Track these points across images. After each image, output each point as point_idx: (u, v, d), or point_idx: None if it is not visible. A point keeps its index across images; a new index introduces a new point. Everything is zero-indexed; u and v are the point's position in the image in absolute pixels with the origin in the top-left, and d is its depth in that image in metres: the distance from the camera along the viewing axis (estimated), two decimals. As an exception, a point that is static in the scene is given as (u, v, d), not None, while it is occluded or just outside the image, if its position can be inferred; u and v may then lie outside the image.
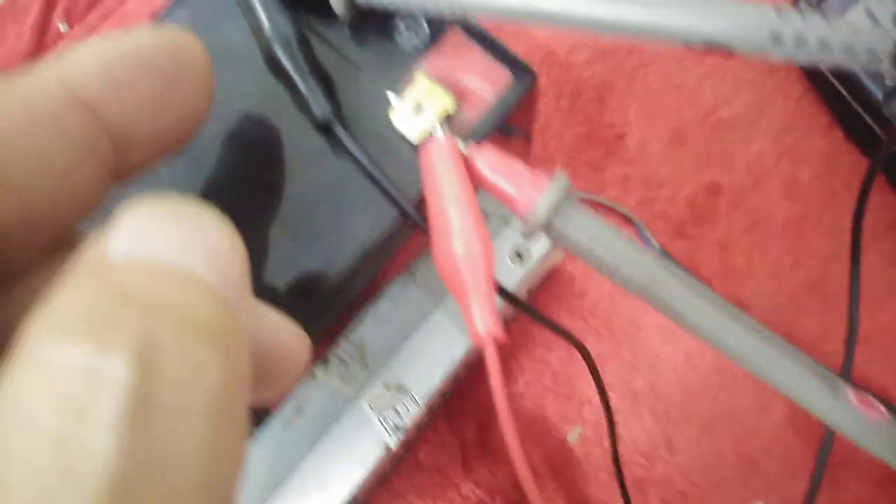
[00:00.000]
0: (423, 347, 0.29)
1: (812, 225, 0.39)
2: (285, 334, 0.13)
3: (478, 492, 0.36)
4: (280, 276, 0.20)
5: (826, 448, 0.31)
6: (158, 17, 0.25)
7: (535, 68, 0.25)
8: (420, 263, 0.29)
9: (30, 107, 0.13)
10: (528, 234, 0.19)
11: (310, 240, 0.20)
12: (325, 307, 0.22)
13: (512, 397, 0.37)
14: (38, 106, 0.13)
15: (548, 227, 0.20)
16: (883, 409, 0.20)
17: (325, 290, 0.19)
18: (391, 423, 0.28)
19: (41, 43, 0.44)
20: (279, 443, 0.27)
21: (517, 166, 0.20)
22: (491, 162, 0.20)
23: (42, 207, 0.12)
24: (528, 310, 0.22)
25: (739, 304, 0.37)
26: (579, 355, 0.37)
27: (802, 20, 0.16)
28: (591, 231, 0.20)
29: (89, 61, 0.14)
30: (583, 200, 0.38)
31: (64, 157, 0.13)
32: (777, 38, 0.17)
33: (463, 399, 0.37)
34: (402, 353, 0.29)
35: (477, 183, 0.20)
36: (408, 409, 0.28)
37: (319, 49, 0.22)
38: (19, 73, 0.13)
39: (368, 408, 0.28)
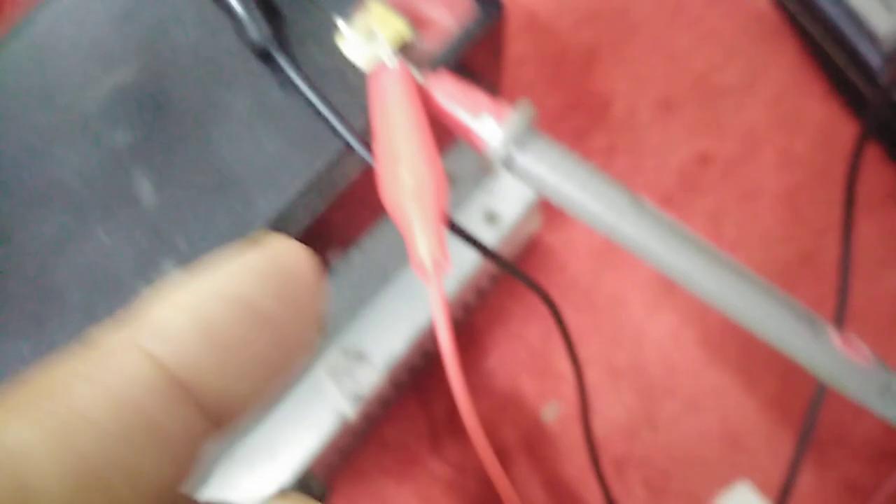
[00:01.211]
0: (384, 313, 0.27)
1: (806, 196, 0.37)
2: None
3: (448, 469, 0.35)
4: (218, 209, 0.18)
5: (810, 421, 0.30)
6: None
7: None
8: (383, 223, 0.27)
9: (112, 398, 0.10)
10: (490, 170, 0.18)
11: (248, 173, 0.18)
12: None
13: (485, 372, 0.35)
14: (123, 395, 0.10)
15: (509, 161, 0.18)
16: (868, 351, 0.18)
17: (264, 226, 0.18)
18: (349, 391, 0.26)
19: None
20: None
21: (477, 95, 0.18)
22: (448, 90, 0.18)
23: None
24: (487, 252, 0.20)
25: (727, 277, 0.36)
26: (557, 330, 0.35)
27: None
28: (555, 164, 0.18)
29: (185, 328, 0.11)
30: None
31: (152, 460, 0.10)
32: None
33: (433, 376, 0.35)
34: (362, 318, 0.27)
35: (434, 116, 0.18)
36: (367, 378, 0.26)
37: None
38: (99, 342, 0.11)
39: (325, 375, 0.26)
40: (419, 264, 0.15)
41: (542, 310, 0.35)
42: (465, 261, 0.27)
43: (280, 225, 0.18)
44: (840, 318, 0.32)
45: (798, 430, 0.34)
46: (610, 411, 0.35)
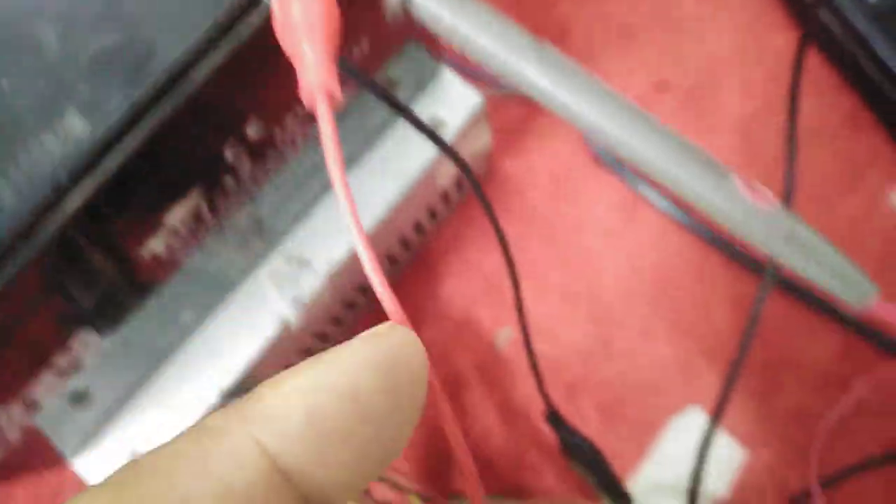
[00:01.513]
0: (328, 220, 0.27)
1: (761, 126, 0.37)
2: None
3: (402, 394, 0.35)
4: (118, 57, 0.17)
5: (747, 336, 0.30)
6: None
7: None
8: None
9: (220, 486, 0.10)
10: (391, 18, 0.17)
11: (150, 19, 0.17)
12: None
13: (440, 300, 0.35)
14: (230, 483, 0.10)
15: (406, 4, 0.18)
16: (771, 196, 0.19)
17: (167, 74, 0.17)
18: (291, 297, 0.26)
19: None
20: (169, 313, 0.25)
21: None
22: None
23: None
24: (409, 115, 0.19)
25: (686, 203, 0.36)
26: (517, 259, 0.35)
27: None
28: (454, 4, 0.18)
29: (295, 419, 0.11)
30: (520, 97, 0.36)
31: None
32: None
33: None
34: (305, 224, 0.27)
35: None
36: (309, 284, 0.26)
37: None
38: (214, 428, 0.11)
39: (267, 281, 0.26)
40: (307, 92, 0.15)
41: (508, 238, 0.35)
42: (409, 165, 0.27)
43: (183, 76, 0.17)
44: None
45: (754, 355, 0.34)
46: (565, 337, 0.35)
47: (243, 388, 0.25)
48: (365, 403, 0.12)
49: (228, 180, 0.20)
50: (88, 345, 0.21)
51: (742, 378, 0.34)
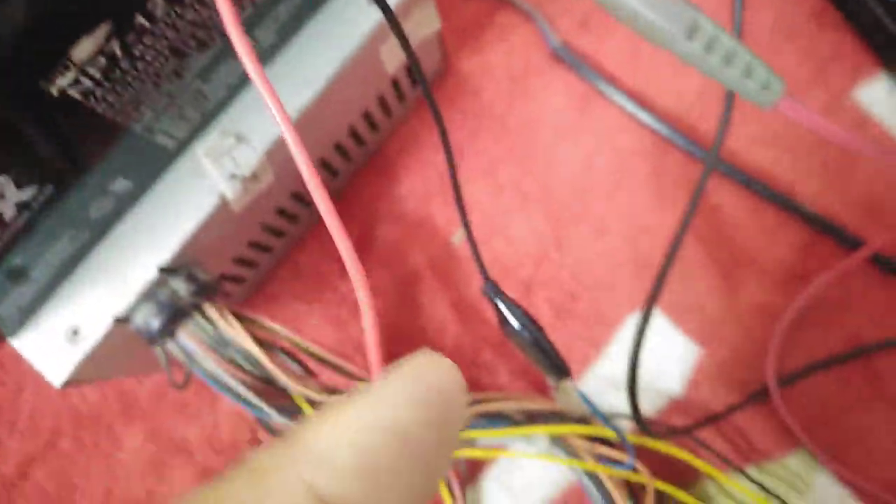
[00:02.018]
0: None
1: (724, 24, 0.36)
2: None
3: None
4: None
5: (686, 219, 0.29)
6: None
7: None
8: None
9: None
10: None
11: None
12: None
13: (396, 199, 0.35)
14: None
15: None
16: None
17: None
18: (228, 171, 0.26)
19: None
20: (103, 183, 0.25)
21: None
22: None
23: None
24: None
25: (644, 99, 0.35)
26: (471, 158, 0.35)
27: None
28: None
29: (344, 458, 0.11)
30: (474, -20, 0.35)
31: None
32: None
33: (348, 202, 0.35)
34: (243, 97, 0.26)
35: None
36: (246, 159, 0.26)
37: None
38: (263, 469, 0.11)
39: (203, 156, 0.26)
40: None
41: (457, 137, 0.35)
42: (349, 33, 0.26)
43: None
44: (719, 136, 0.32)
45: (710, 253, 0.34)
46: (520, 235, 0.35)
47: (190, 276, 0.25)
48: (412, 439, 0.12)
49: (140, 19, 0.19)
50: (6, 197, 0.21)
51: (700, 276, 0.34)
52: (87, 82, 0.19)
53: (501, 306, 0.24)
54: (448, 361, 0.13)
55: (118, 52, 0.19)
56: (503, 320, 0.24)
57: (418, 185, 0.35)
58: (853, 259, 0.32)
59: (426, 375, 0.13)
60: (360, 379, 0.30)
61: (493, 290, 0.24)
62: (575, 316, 0.34)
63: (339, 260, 0.35)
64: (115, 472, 0.35)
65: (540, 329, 0.24)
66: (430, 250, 0.35)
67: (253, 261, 0.32)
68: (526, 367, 0.34)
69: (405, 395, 0.12)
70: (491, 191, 0.35)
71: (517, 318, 0.24)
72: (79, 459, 0.35)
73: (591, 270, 0.34)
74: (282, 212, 0.31)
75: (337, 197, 0.35)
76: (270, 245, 0.32)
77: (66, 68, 0.18)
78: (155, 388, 0.35)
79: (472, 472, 0.34)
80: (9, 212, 0.21)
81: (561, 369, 0.25)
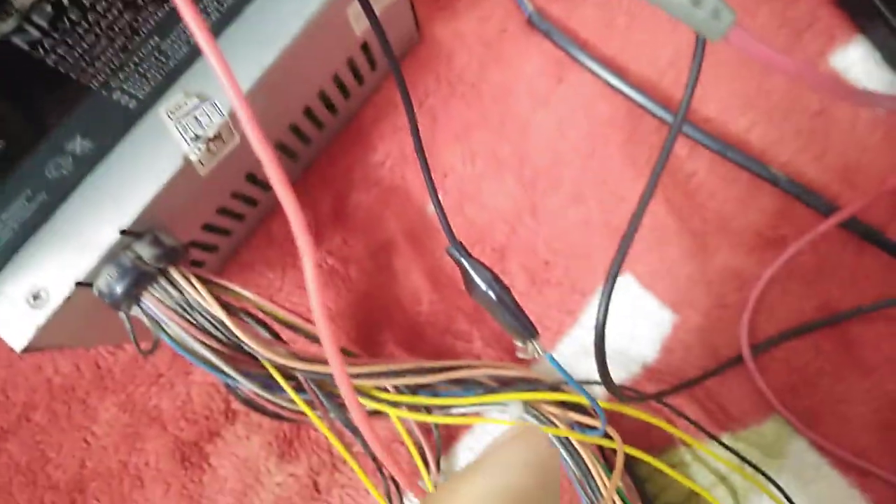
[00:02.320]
0: (230, 55, 0.26)
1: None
2: None
3: (330, 260, 0.34)
4: None
5: (652, 180, 0.29)
6: None
7: None
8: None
9: None
10: None
11: None
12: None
13: (372, 166, 0.35)
14: None
15: None
16: None
17: None
18: (191, 132, 0.25)
19: None
20: (64, 144, 0.24)
21: None
22: None
23: None
24: None
25: (618, 66, 0.35)
26: (445, 125, 0.35)
27: None
28: None
29: None
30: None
31: None
32: None
33: (323, 170, 0.35)
34: (205, 60, 0.26)
35: None
36: (210, 120, 0.25)
37: None
38: None
39: (166, 116, 0.25)
40: None
41: (430, 104, 0.35)
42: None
43: None
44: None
45: (682, 221, 0.34)
46: (494, 202, 0.34)
47: (155, 240, 0.25)
48: (530, 500, 0.13)
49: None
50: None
51: (674, 244, 0.34)
52: (33, 31, 0.19)
53: (466, 265, 0.24)
54: (544, 433, 0.16)
55: (65, 0, 0.19)
56: (469, 281, 0.24)
57: (394, 153, 0.35)
58: (827, 224, 0.32)
59: (532, 443, 0.15)
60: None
61: (458, 249, 0.24)
62: (549, 284, 0.34)
63: (311, 229, 0.35)
64: (88, 444, 0.34)
65: (505, 288, 0.24)
66: (406, 218, 0.34)
67: (224, 228, 0.32)
68: (500, 335, 0.34)
69: (521, 461, 0.14)
70: (464, 157, 0.34)
71: (482, 278, 0.24)
72: (52, 432, 0.34)
73: (565, 238, 0.34)
74: (252, 178, 0.31)
75: (309, 165, 0.35)
76: (242, 213, 0.32)
77: (7, 14, 0.18)
78: (128, 360, 0.35)
79: (446, 442, 0.34)
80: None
81: (528, 330, 0.24)
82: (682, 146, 0.34)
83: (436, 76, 0.35)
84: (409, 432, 0.33)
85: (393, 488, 0.32)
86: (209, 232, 0.31)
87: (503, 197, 0.34)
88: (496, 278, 0.24)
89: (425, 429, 0.33)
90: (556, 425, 0.31)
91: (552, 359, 0.26)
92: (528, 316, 0.24)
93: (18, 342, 0.25)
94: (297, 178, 0.34)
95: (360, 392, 0.30)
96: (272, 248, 0.35)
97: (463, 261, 0.24)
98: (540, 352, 0.25)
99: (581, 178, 0.34)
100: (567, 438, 0.31)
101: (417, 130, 0.25)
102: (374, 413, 0.32)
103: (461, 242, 0.24)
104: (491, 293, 0.24)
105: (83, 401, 0.34)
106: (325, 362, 0.29)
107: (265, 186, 0.32)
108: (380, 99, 0.35)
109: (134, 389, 0.34)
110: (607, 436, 0.30)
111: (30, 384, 0.35)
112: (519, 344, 0.25)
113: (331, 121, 0.33)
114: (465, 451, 0.34)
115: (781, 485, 0.32)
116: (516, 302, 0.24)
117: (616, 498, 0.30)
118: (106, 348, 0.35)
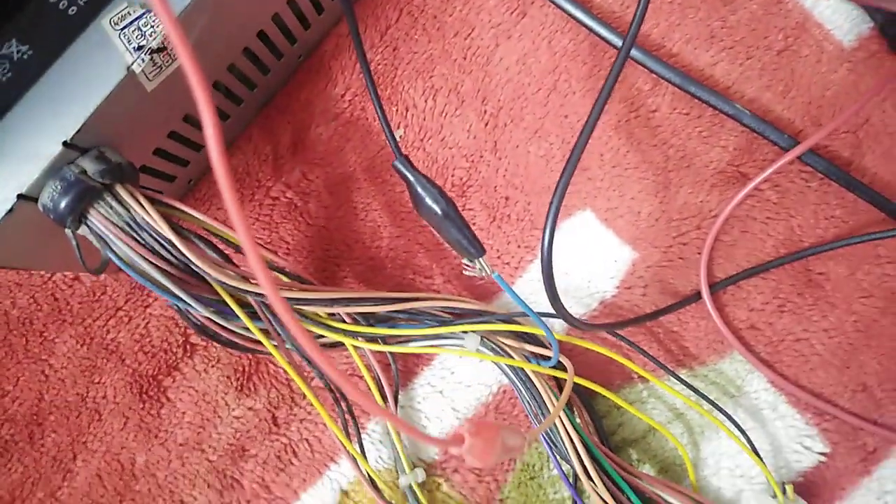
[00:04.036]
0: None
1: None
2: None
3: (289, 194, 0.34)
4: None
5: (597, 106, 0.29)
6: None
7: None
8: None
9: None
10: None
11: None
12: None
13: (332, 99, 0.34)
14: None
15: None
16: None
17: None
18: (134, 42, 0.25)
19: None
20: (3, 62, 0.24)
21: None
22: None
23: None
24: None
25: None
26: (406, 58, 0.34)
27: None
28: None
29: None
30: None
31: None
32: None
33: (281, 105, 0.35)
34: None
35: None
36: (154, 29, 0.25)
37: None
38: None
39: (109, 27, 0.25)
40: None
41: (392, 35, 0.34)
42: None
43: None
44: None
45: (643, 156, 0.34)
46: (455, 137, 0.34)
47: (101, 157, 0.25)
48: None
49: None
50: None
51: (635, 180, 0.34)
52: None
53: (411, 178, 0.23)
54: None
55: None
56: (415, 196, 0.24)
57: (354, 86, 0.34)
58: (785, 158, 0.32)
59: None
60: (278, 269, 0.30)
61: (404, 163, 0.24)
62: (509, 220, 0.34)
63: (270, 162, 0.34)
64: (46, 377, 0.34)
65: (451, 203, 0.24)
66: (367, 152, 0.34)
67: (177, 156, 0.31)
68: (460, 271, 0.34)
69: None
70: (426, 92, 0.34)
71: (427, 192, 0.23)
72: (8, 364, 0.34)
73: (526, 174, 0.34)
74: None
75: (270, 97, 0.34)
76: (194, 140, 0.32)
77: None
78: (86, 293, 0.34)
79: (405, 377, 0.34)
80: None
81: (475, 246, 0.24)
82: (646, 80, 0.34)
83: (397, 7, 0.34)
84: (368, 367, 0.33)
85: (350, 421, 0.32)
86: (162, 158, 0.30)
87: (464, 133, 0.34)
88: (442, 193, 0.24)
89: (384, 365, 0.33)
90: (511, 357, 0.31)
91: (502, 280, 0.25)
92: (474, 232, 0.24)
93: (-42, 254, 0.24)
94: (256, 108, 0.34)
95: (316, 321, 0.30)
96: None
97: (408, 174, 0.24)
98: (487, 269, 0.25)
99: (542, 113, 0.34)
100: (522, 370, 0.31)
101: (357, 32, 0.25)
102: (332, 346, 0.32)
103: (407, 156, 0.24)
104: (436, 207, 0.23)
105: (40, 333, 0.34)
106: (280, 285, 0.29)
107: (221, 114, 0.32)
108: (343, 30, 0.35)
109: (92, 323, 0.34)
110: (562, 368, 0.30)
111: (-13, 317, 0.35)
112: (467, 263, 0.25)
113: (289, 50, 0.33)
114: (425, 387, 0.34)
115: (738, 421, 0.32)
116: (462, 217, 0.24)
117: (566, 422, 0.30)
118: (63, 280, 0.34)
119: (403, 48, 0.34)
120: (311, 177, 0.34)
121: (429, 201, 0.24)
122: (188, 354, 0.34)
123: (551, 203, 0.24)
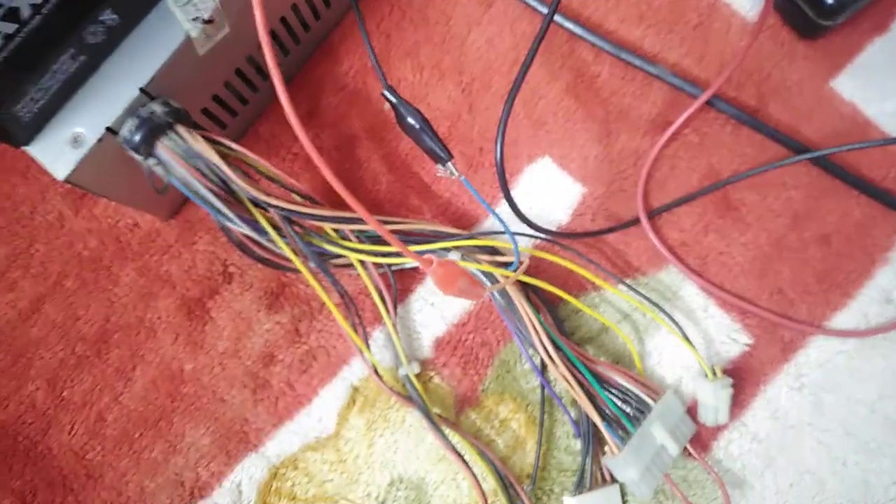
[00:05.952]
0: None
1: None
2: None
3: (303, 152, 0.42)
4: None
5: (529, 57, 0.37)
6: None
7: None
8: None
9: None
10: None
11: None
12: None
13: (339, 75, 0.43)
14: None
15: None
16: None
17: None
18: (191, 14, 0.34)
19: None
20: (94, 19, 0.33)
21: None
22: None
23: None
24: None
25: (535, -6, 0.43)
26: (397, 43, 0.43)
27: None
28: None
29: None
30: None
31: None
32: None
33: (298, 83, 0.43)
34: (203, -36, 0.35)
35: None
36: (206, 4, 0.34)
37: None
38: None
39: (172, 2, 0.34)
40: None
41: (385, 26, 0.43)
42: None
43: None
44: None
45: (593, 110, 0.42)
46: (438, 103, 0.43)
47: (157, 91, 0.33)
48: None
49: None
50: None
51: (582, 130, 0.42)
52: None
53: (395, 102, 0.32)
54: None
55: None
56: (399, 116, 0.32)
57: (358, 64, 0.43)
58: (696, 103, 0.40)
59: None
60: (301, 193, 0.38)
61: (390, 90, 0.32)
62: (483, 166, 0.42)
63: (290, 127, 0.43)
64: (111, 304, 0.42)
65: (426, 120, 0.32)
66: (367, 116, 0.43)
67: (217, 118, 0.40)
68: (445, 208, 0.42)
69: None
70: (413, 69, 0.43)
71: (407, 111, 0.32)
72: (81, 295, 0.42)
73: (496, 129, 0.42)
74: (240, 73, 0.39)
75: (289, 81, 0.43)
76: (233, 107, 0.40)
77: None
78: (144, 235, 0.43)
79: (402, 294, 0.41)
80: (25, 11, 0.29)
81: (444, 152, 0.32)
82: (589, 52, 0.42)
83: (389, 3, 0.44)
84: (374, 285, 0.40)
85: (360, 327, 0.40)
86: (206, 117, 0.39)
87: (445, 99, 0.42)
88: (418, 111, 0.32)
89: (386, 283, 0.41)
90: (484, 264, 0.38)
91: (466, 181, 0.33)
92: (443, 142, 0.32)
93: (61, 172, 0.33)
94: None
95: (327, 239, 0.38)
96: (258, 144, 0.43)
97: (393, 99, 0.32)
98: (455, 172, 0.33)
99: (507, 81, 0.42)
100: (491, 273, 0.38)
101: (364, 24, 0.33)
102: (343, 267, 0.40)
103: (391, 85, 0.32)
104: (414, 122, 0.32)
105: (107, 268, 0.42)
106: (295, 203, 0.37)
107: (252, 86, 0.41)
108: (348, 20, 0.44)
109: (149, 258, 0.42)
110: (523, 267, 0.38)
111: (63, 258, 0.43)
112: (440, 167, 0.33)
113: (304, 36, 0.42)
114: (419, 301, 0.41)
115: (676, 320, 0.39)
116: (434, 130, 0.32)
117: (534, 321, 0.37)
118: (125, 225, 0.43)
119: (395, 35, 0.43)
120: (323, 137, 0.43)
121: (409, 119, 0.32)
122: (227, 281, 0.42)
123: (501, 117, 0.32)
